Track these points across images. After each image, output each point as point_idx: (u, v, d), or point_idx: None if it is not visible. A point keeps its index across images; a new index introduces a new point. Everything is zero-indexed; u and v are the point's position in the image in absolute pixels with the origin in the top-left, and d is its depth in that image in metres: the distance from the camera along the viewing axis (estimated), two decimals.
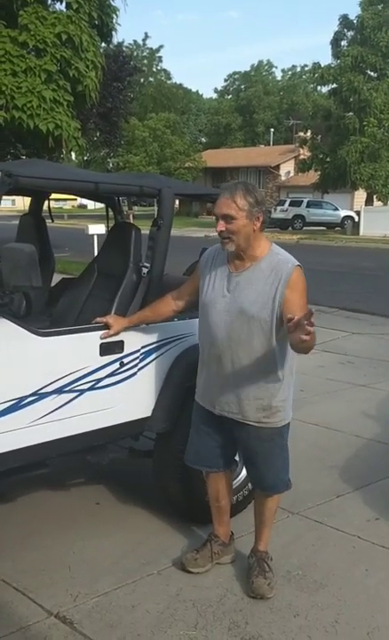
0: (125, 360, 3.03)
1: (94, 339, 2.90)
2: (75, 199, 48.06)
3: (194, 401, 2.86)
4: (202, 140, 60.35)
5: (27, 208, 4.10)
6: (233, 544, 3.02)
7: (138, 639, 2.43)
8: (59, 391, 2.80)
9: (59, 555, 2.99)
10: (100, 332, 2.90)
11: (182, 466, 3.03)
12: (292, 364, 2.70)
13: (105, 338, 2.83)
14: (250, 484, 3.40)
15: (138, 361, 3.09)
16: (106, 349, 2.94)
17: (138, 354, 3.08)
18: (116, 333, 2.86)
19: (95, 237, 10.29)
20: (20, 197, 4.47)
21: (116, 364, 3.00)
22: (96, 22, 12.65)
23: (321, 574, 2.90)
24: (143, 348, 3.09)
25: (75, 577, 2.82)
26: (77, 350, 2.87)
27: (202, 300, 2.70)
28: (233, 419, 2.69)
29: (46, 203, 3.98)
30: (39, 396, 2.74)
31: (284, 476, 2.80)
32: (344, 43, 30.83)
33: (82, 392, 2.88)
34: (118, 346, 2.99)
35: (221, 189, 2.56)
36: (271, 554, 2.89)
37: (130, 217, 22.69)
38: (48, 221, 4.01)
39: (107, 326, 2.86)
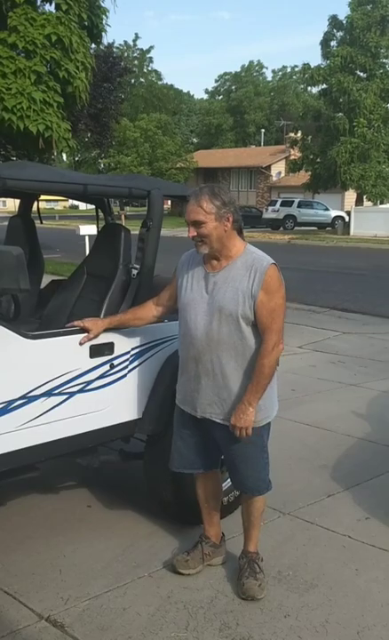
0: (115, 362, 3.03)
1: None
2: (67, 200, 47.97)
3: (175, 405, 2.85)
4: (194, 140, 60.45)
5: (17, 209, 4.08)
6: (224, 545, 3.02)
7: None
8: (49, 394, 2.79)
9: (50, 558, 2.98)
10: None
11: None
12: None
13: (84, 342, 2.79)
14: None
15: (128, 363, 3.08)
16: (95, 351, 2.93)
17: (128, 355, 3.08)
18: (95, 337, 2.83)
19: (86, 238, 10.28)
20: (11, 199, 4.46)
21: (106, 366, 3.00)
22: (86, 23, 12.62)
23: (312, 574, 2.91)
24: (133, 349, 3.08)
25: (65, 580, 2.81)
26: (67, 353, 2.86)
27: (180, 303, 2.71)
28: (213, 420, 2.68)
29: (35, 204, 3.97)
30: (28, 399, 2.73)
31: (265, 477, 2.78)
32: (333, 43, 30.94)
33: (72, 394, 2.88)
34: (108, 348, 2.98)
35: (189, 196, 2.59)
36: (262, 554, 2.90)
37: (122, 217, 22.65)
38: (37, 223, 4.00)
39: (85, 330, 2.82)
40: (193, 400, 2.71)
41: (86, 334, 2.81)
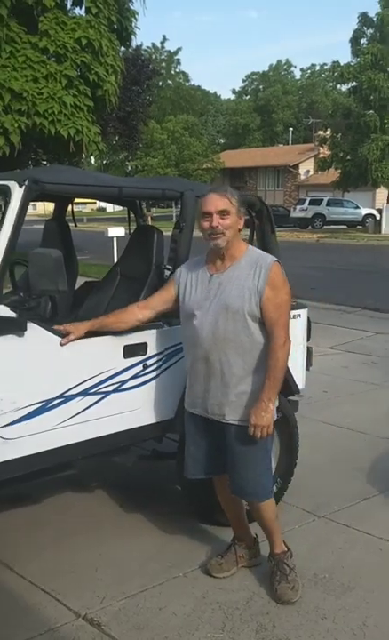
0: (148, 362, 3.05)
1: (118, 341, 2.92)
2: (95, 202, 48.35)
3: (185, 411, 2.83)
4: (221, 140, 60.37)
5: (48, 213, 4.14)
6: (258, 547, 3.00)
7: None
8: (85, 393, 2.83)
9: (86, 557, 3.01)
10: (125, 335, 2.92)
11: None
12: None
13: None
14: (274, 487, 3.39)
15: (161, 363, 3.10)
16: (129, 352, 2.96)
17: (161, 356, 3.09)
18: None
19: (115, 240, 10.34)
20: (41, 202, 4.52)
21: (140, 367, 3.02)
22: (115, 26, 12.74)
23: (348, 577, 2.88)
24: (166, 350, 3.10)
25: (101, 579, 2.84)
26: (102, 353, 2.89)
27: (184, 308, 2.72)
28: (224, 420, 2.66)
29: (70, 207, 4.02)
30: (65, 398, 2.77)
31: (267, 482, 2.74)
32: (363, 41, 30.56)
33: (106, 394, 2.91)
34: (141, 348, 3.01)
35: (209, 190, 2.65)
36: (297, 557, 2.88)
37: (149, 219, 22.76)
38: (71, 225, 4.05)
39: (60, 334, 2.72)
40: (203, 401, 2.70)
41: (67, 336, 2.72)
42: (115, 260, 3.85)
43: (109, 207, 50.35)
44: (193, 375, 2.74)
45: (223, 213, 2.55)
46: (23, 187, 2.57)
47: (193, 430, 2.82)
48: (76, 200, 4.19)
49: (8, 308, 2.53)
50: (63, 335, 2.72)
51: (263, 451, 2.67)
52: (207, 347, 2.62)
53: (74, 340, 2.74)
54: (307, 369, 3.83)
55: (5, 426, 2.58)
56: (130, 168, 43.15)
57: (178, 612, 2.62)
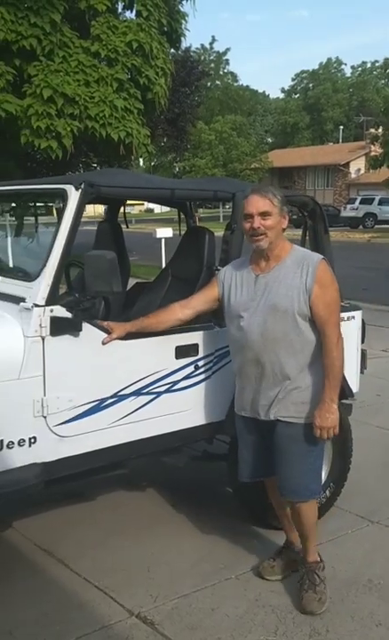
0: (200, 363, 3.05)
1: (170, 342, 2.94)
2: (143, 204, 48.89)
3: (236, 415, 2.80)
4: (269, 140, 60.00)
5: (96, 214, 4.20)
6: None
7: None
8: (138, 393, 2.86)
9: (138, 555, 3.04)
10: (177, 335, 2.94)
11: None
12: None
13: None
14: (327, 491, 3.36)
15: (212, 364, 3.10)
16: (181, 352, 2.97)
17: (212, 357, 3.10)
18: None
19: (163, 241, 10.40)
20: (90, 205, 4.59)
21: (191, 367, 3.03)
22: (165, 29, 12.81)
23: None
24: (217, 351, 3.10)
25: (154, 578, 2.86)
26: (154, 353, 2.91)
27: (229, 309, 2.70)
28: (278, 419, 2.64)
29: (123, 209, 4.07)
30: (118, 397, 2.81)
31: (310, 483, 2.67)
32: None
33: (158, 394, 2.93)
34: (193, 349, 3.01)
35: (251, 191, 2.63)
36: (351, 562, 2.83)
37: (196, 219, 22.79)
38: (123, 227, 4.10)
39: (107, 331, 2.73)
40: (254, 403, 2.68)
41: (109, 335, 2.71)
42: (164, 261, 3.88)
43: (157, 208, 50.67)
44: (243, 378, 2.71)
45: (264, 215, 2.54)
46: (79, 190, 2.62)
47: (244, 434, 2.81)
48: (131, 202, 4.24)
49: (64, 309, 2.58)
50: (107, 331, 2.73)
51: (308, 450, 2.63)
52: (257, 348, 2.60)
53: (115, 339, 2.72)
54: (362, 372, 3.77)
55: (62, 424, 2.63)
56: (177, 169, 43.34)
57: (230, 613, 2.62)
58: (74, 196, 2.61)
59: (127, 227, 4.17)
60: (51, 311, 2.54)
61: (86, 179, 2.67)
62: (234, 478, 3.24)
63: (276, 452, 2.67)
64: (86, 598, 2.73)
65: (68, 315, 2.58)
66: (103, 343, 2.71)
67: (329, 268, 2.62)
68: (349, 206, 32.83)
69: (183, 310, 2.85)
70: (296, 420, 2.61)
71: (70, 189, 2.63)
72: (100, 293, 2.58)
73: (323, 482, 3.34)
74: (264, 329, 2.57)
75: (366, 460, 4.05)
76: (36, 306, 2.52)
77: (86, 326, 2.64)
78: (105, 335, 2.73)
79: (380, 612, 2.63)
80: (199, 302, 2.85)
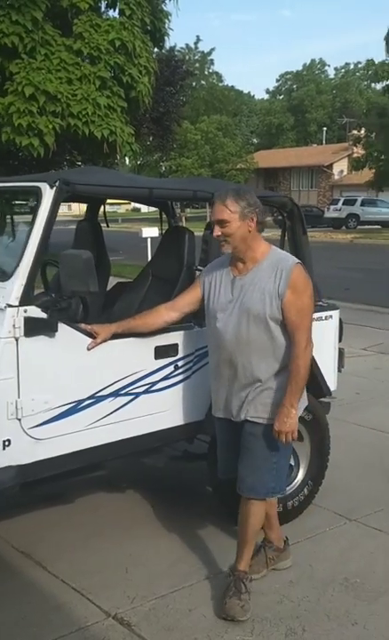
0: (180, 363, 3.05)
1: (149, 342, 2.93)
2: (129, 203, 48.76)
3: (214, 416, 2.81)
4: (254, 140, 60.14)
5: (82, 213, 4.18)
6: (288, 549, 2.98)
7: None
8: (116, 394, 2.84)
9: (116, 557, 3.03)
10: (156, 336, 2.93)
11: None
12: None
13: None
14: (305, 489, 3.37)
15: (192, 364, 3.10)
16: (160, 353, 2.97)
17: (192, 357, 3.09)
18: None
19: (149, 240, 10.39)
20: (76, 203, 4.57)
21: (171, 367, 3.02)
22: (148, 28, 12.80)
23: (380, 582, 2.83)
24: (197, 351, 3.10)
25: (131, 579, 2.85)
26: (133, 354, 2.90)
27: (208, 310, 2.72)
28: (248, 419, 2.64)
29: (102, 208, 4.05)
30: (96, 399, 2.79)
31: (269, 481, 2.65)
32: None
33: (137, 395, 2.92)
34: (172, 349, 3.01)
35: (215, 197, 2.63)
36: (327, 560, 2.84)
37: (183, 219, 22.80)
38: (103, 226, 4.08)
39: (90, 335, 2.72)
40: (228, 404, 2.69)
41: (94, 340, 2.71)
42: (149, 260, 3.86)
43: (144, 208, 50.56)
44: (218, 378, 2.72)
45: (221, 223, 2.54)
46: (54, 188, 2.59)
47: (221, 434, 2.82)
48: (111, 201, 4.22)
49: (39, 309, 2.56)
50: (90, 335, 2.72)
51: (273, 449, 2.62)
52: (231, 350, 2.61)
53: (101, 342, 2.73)
54: (339, 370, 3.79)
55: (37, 426, 2.61)
56: (164, 169, 43.29)
57: (207, 613, 2.61)
58: (48, 194, 2.59)
59: (108, 226, 4.15)
60: (26, 311, 2.52)
61: (62, 177, 2.65)
62: (213, 477, 3.24)
63: (241, 449, 2.68)
64: (64, 600, 2.71)
65: (43, 315, 2.56)
66: (88, 349, 2.71)
67: (304, 273, 2.60)
68: (332, 207, 33.03)
69: (169, 313, 2.86)
70: (262, 421, 2.61)
71: (45, 187, 2.60)
72: (76, 293, 2.56)
73: (301, 480, 3.36)
74: (238, 331, 2.58)
75: (345, 458, 4.07)
76: (10, 306, 2.49)
77: (62, 327, 2.62)
78: (84, 337, 2.71)
79: (356, 610, 2.64)
80: (184, 304, 2.85)
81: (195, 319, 3.03)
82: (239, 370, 2.62)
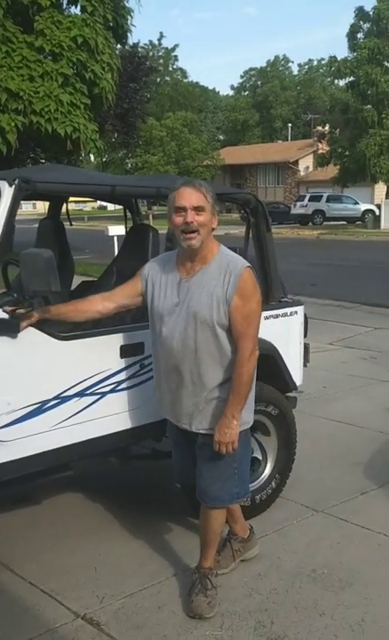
0: (146, 362, 3.04)
1: (115, 341, 2.91)
2: (95, 201, 48.39)
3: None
4: (220, 137, 60.26)
5: (47, 212, 4.14)
6: (254, 538, 2.98)
7: None
8: (82, 394, 2.82)
9: (85, 557, 3.02)
10: (122, 335, 2.91)
11: None
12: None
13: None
14: (273, 483, 3.40)
15: None
16: (126, 351, 2.96)
17: None
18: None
19: (115, 239, 10.33)
20: (41, 201, 4.53)
21: (137, 366, 3.01)
22: (111, 24, 12.70)
23: (347, 573, 2.88)
24: None
25: (100, 579, 2.84)
26: (98, 353, 2.88)
27: (152, 311, 2.59)
28: (194, 431, 2.57)
29: (65, 206, 4.01)
30: (61, 399, 2.76)
31: (232, 487, 2.59)
32: (360, 35, 30.53)
33: (103, 394, 2.90)
34: (139, 348, 3.00)
35: (180, 183, 2.44)
36: (295, 552, 2.88)
37: (150, 217, 22.70)
38: (67, 224, 4.04)
39: (56, 336, 2.67)
40: (176, 412, 2.60)
41: (22, 322, 2.55)
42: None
43: (110, 206, 50.29)
44: (163, 384, 2.62)
45: (198, 210, 2.37)
46: (13, 186, 2.56)
47: (174, 437, 2.75)
48: (77, 199, 4.19)
49: (1, 310, 2.52)
50: (55, 335, 2.66)
51: (230, 456, 2.52)
52: (178, 356, 2.49)
53: (27, 326, 2.54)
54: (305, 365, 3.83)
55: (0, 428, 2.58)
56: (130, 166, 43.07)
57: (177, 610, 2.62)
58: (7, 192, 2.55)
59: (70, 224, 4.12)
60: None
61: (21, 174, 2.61)
62: None
63: (198, 459, 2.60)
64: (32, 602, 2.69)
65: (5, 316, 2.52)
66: (20, 330, 2.53)
67: (253, 278, 2.47)
68: (299, 203, 33.31)
69: (104, 302, 2.70)
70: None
71: (3, 185, 2.57)
72: (38, 293, 2.53)
73: (269, 474, 3.39)
74: (185, 337, 2.46)
75: (312, 451, 4.13)
76: None
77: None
78: (47, 337, 2.66)
79: (324, 601, 2.68)
80: (121, 296, 2.70)
81: (128, 312, 2.94)
82: (186, 377, 2.50)
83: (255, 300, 2.45)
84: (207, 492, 2.60)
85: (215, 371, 2.49)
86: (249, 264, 2.49)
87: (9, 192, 2.55)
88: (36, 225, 3.98)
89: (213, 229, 2.47)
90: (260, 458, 3.41)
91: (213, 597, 2.62)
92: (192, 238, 2.39)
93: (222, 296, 2.41)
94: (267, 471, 3.41)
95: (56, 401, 2.74)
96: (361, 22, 30.41)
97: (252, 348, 2.44)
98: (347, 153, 30.34)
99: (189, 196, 2.38)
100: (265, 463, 3.42)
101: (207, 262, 2.48)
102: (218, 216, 2.48)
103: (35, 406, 2.67)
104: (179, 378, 2.54)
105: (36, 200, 3.77)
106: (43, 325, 2.68)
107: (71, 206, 4.05)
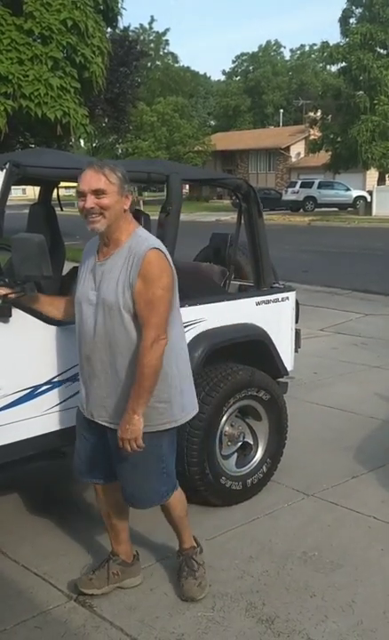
0: None
1: None
2: None
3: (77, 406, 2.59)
4: (211, 123, 59.85)
5: (37, 197, 4.10)
6: (138, 565, 2.73)
7: (157, 621, 2.47)
8: (73, 379, 2.82)
9: (79, 540, 3.04)
10: None
11: (198, 449, 3.06)
12: (177, 360, 2.40)
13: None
14: (264, 467, 3.43)
15: None
16: None
17: None
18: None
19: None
20: (31, 186, 4.49)
21: None
22: (101, 7, 12.55)
23: (337, 555, 2.92)
24: None
25: (95, 562, 2.86)
26: None
27: (76, 297, 2.45)
28: (104, 425, 2.43)
29: (56, 191, 3.98)
30: (53, 384, 2.77)
31: (159, 487, 2.48)
32: (352, 20, 30.35)
33: None
34: None
35: (85, 166, 2.33)
36: (286, 535, 2.90)
37: (141, 203, 22.60)
38: (58, 210, 4.01)
39: (46, 319, 2.67)
40: (86, 402, 2.47)
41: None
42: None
43: None
44: (80, 373, 2.50)
45: (98, 193, 2.23)
46: (4, 170, 2.54)
47: (80, 428, 2.57)
48: (67, 184, 4.15)
49: None
50: (45, 319, 2.62)
51: (155, 456, 2.41)
52: (91, 345, 2.36)
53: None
54: (296, 351, 3.85)
55: None
56: (120, 151, 42.76)
57: (169, 592, 2.65)
58: None
59: (62, 209, 4.08)
60: None
61: (11, 158, 2.60)
62: None
63: (118, 461, 2.44)
64: (25, 585, 2.71)
65: None
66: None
67: (160, 260, 2.26)
68: (290, 190, 33.23)
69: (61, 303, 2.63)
70: None
71: None
72: (30, 278, 2.52)
73: (260, 458, 3.41)
74: (95, 324, 2.33)
75: (303, 436, 4.16)
76: None
77: (16, 312, 2.59)
78: (39, 321, 2.67)
79: (315, 583, 2.72)
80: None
81: None
82: (96, 367, 2.38)
83: (160, 286, 2.24)
84: (134, 496, 2.50)
85: (124, 359, 2.32)
86: (156, 245, 2.29)
87: (0, 176, 2.54)
88: (26, 211, 3.95)
89: (126, 210, 2.31)
90: (251, 442, 3.44)
91: (202, 578, 2.63)
92: (95, 222, 2.27)
93: (126, 280, 2.25)
94: (259, 456, 3.44)
95: (48, 386, 2.75)
96: (354, 7, 30.20)
97: (155, 337, 2.24)
98: (339, 139, 30.26)
99: (89, 180, 2.26)
100: (257, 448, 3.45)
101: (120, 245, 2.32)
102: (132, 195, 2.33)
103: (28, 391, 2.68)
104: (91, 368, 2.40)
105: (27, 185, 3.74)
106: (34, 310, 2.68)
107: (61, 192, 4.00)
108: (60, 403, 2.80)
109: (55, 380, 2.77)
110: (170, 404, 2.39)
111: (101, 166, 2.28)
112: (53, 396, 2.78)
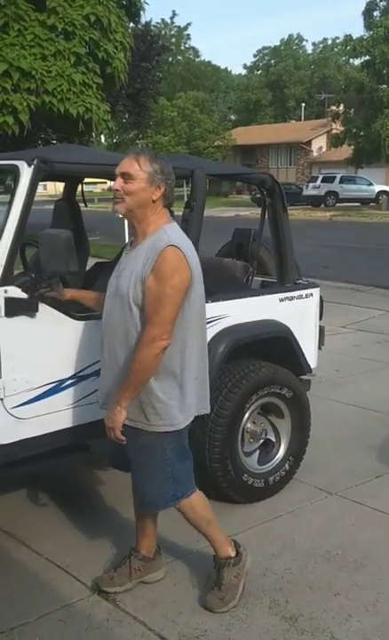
0: None
1: None
2: (105, 182, 48.15)
3: None
4: (232, 117, 59.63)
5: (58, 193, 4.13)
6: (160, 559, 2.72)
7: (180, 617, 2.48)
8: (98, 373, 2.83)
9: (102, 534, 3.05)
10: None
11: (220, 446, 3.06)
12: (185, 361, 2.34)
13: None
14: (286, 465, 3.42)
15: None
16: None
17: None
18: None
19: (126, 221, 10.30)
20: (52, 182, 4.51)
21: None
22: (124, 2, 12.55)
23: (361, 554, 2.90)
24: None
25: (117, 555, 2.88)
26: None
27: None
28: None
29: (81, 187, 4.00)
30: (79, 378, 2.79)
31: (165, 492, 2.42)
32: (376, 13, 29.94)
33: None
34: None
35: (128, 151, 2.37)
36: (309, 533, 2.88)
37: None
38: (82, 206, 4.03)
39: (71, 315, 2.71)
40: (100, 391, 2.50)
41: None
42: (127, 241, 3.83)
43: None
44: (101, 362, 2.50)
45: (126, 177, 2.25)
46: (32, 166, 2.56)
47: None
48: (87, 180, 4.15)
49: (19, 290, 2.54)
50: (71, 315, 2.65)
51: (161, 459, 2.37)
52: (104, 334, 2.38)
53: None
54: (319, 348, 3.82)
55: (19, 406, 2.61)
56: (140, 147, 42.83)
57: (192, 587, 2.66)
58: (26, 172, 2.55)
59: (86, 205, 4.10)
60: (6, 292, 2.50)
61: (40, 154, 2.61)
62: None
63: (130, 458, 2.44)
64: (48, 578, 2.73)
65: (24, 295, 2.53)
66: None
67: (176, 258, 2.20)
68: (311, 185, 32.96)
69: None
70: (136, 425, 2.33)
71: (22, 166, 2.56)
72: (56, 273, 2.54)
73: (282, 456, 3.40)
74: (109, 314, 2.35)
75: (326, 434, 4.14)
76: None
77: (43, 307, 2.60)
78: (64, 316, 2.69)
79: (338, 582, 2.70)
80: None
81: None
82: (105, 357, 2.38)
83: (170, 284, 2.19)
84: (143, 501, 2.51)
85: (126, 353, 2.30)
86: (175, 243, 2.23)
87: (28, 172, 2.55)
88: (48, 206, 3.97)
89: (155, 201, 2.29)
90: (274, 440, 3.42)
91: (228, 592, 2.51)
92: (116, 203, 2.29)
93: (140, 274, 2.23)
94: (281, 453, 3.42)
95: (74, 380, 2.77)
96: (378, 0, 29.79)
97: (154, 336, 2.19)
98: (362, 133, 29.92)
99: (124, 163, 2.29)
100: (279, 445, 3.43)
101: (146, 237, 2.32)
102: (162, 188, 2.29)
103: (54, 384, 2.70)
104: (102, 356, 2.41)
105: (52, 181, 3.75)
106: (60, 306, 2.70)
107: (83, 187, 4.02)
108: (86, 396, 2.81)
109: (80, 373, 2.79)
110: (169, 405, 2.31)
111: (140, 153, 2.30)
112: (79, 390, 2.79)
